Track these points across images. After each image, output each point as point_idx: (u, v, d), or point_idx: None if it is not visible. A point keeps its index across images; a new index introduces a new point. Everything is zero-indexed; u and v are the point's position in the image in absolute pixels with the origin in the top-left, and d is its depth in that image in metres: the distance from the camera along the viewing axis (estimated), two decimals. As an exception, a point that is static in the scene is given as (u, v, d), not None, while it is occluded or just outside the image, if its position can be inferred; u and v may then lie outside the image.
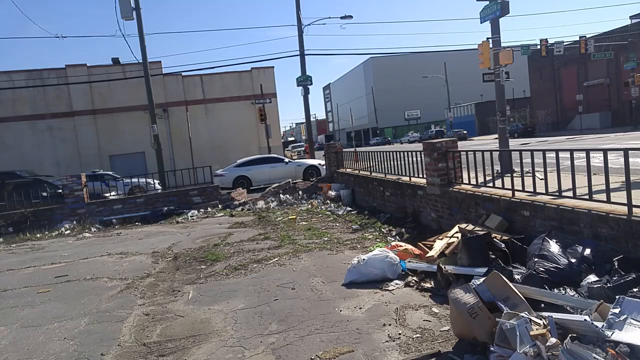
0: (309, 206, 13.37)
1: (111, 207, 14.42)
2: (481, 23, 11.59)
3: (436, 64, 62.55)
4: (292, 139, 72.36)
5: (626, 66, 33.56)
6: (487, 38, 11.66)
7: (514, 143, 22.90)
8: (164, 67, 28.75)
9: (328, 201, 13.59)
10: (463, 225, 6.82)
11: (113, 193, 15.89)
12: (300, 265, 7.15)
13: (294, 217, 11.52)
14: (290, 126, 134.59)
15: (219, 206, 14.83)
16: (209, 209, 14.49)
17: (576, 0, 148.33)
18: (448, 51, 39.24)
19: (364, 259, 6.19)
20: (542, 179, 6.13)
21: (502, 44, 11.81)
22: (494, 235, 6.03)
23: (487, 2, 11.13)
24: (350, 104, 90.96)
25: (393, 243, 7.16)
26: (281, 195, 14.80)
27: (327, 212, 12.09)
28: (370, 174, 12.40)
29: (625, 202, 4.78)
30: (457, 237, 6.54)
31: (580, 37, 29.67)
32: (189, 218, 13.50)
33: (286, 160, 20.43)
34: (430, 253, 6.38)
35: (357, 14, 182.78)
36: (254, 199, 15.12)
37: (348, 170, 14.63)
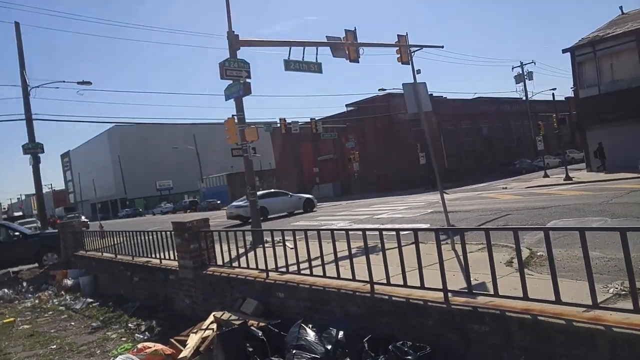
0: (37, 301, 10.80)
1: None
2: (226, 100, 11.84)
3: (186, 135, 63.00)
4: (20, 213, 60.57)
5: (347, 145, 40.37)
6: (233, 115, 11.95)
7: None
8: None
9: (63, 292, 11.21)
10: (219, 314, 6.32)
11: None
12: (8, 398, 5.30)
13: (12, 319, 9.02)
14: (19, 198, 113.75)
15: None
16: None
17: (307, 88, 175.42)
18: (198, 124, 39.97)
19: (100, 376, 4.96)
20: (292, 248, 6.13)
21: (248, 121, 12.29)
22: (250, 323, 5.73)
23: (231, 82, 11.44)
24: (95, 173, 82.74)
25: (140, 345, 6.09)
26: (-7, 291, 11.43)
27: (61, 308, 9.97)
28: (116, 256, 10.83)
29: (368, 279, 5.03)
30: (213, 329, 5.99)
31: (311, 119, 34.59)
32: None
33: (290, 194, 24.22)
34: (184, 353, 5.65)
35: (102, 82, 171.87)
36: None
37: (89, 253, 12.49)
